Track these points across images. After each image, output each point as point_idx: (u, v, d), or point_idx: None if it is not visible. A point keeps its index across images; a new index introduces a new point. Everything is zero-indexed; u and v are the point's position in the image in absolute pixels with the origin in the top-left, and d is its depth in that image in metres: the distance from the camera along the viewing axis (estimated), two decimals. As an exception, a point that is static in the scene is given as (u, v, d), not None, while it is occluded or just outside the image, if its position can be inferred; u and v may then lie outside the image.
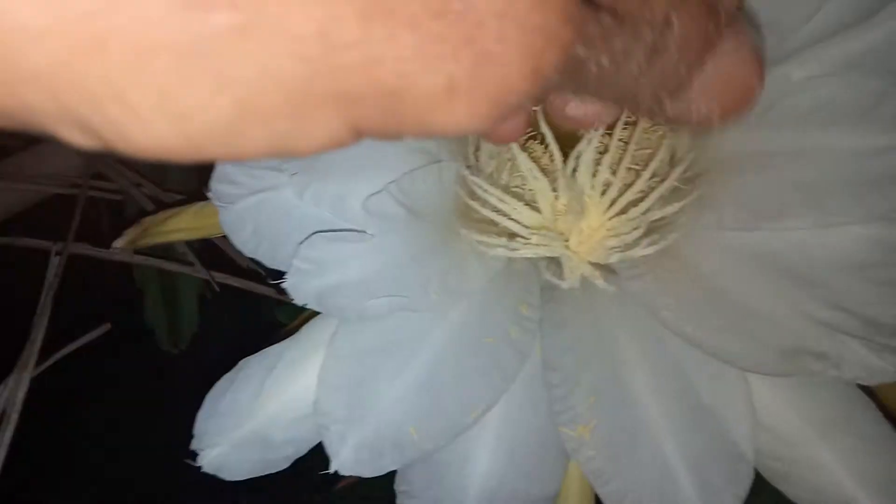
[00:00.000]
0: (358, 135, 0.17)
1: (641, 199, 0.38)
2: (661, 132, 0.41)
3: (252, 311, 0.74)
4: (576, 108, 0.25)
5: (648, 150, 0.41)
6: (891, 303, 0.37)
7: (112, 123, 0.15)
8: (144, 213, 0.70)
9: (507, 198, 0.38)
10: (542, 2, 0.16)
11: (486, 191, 0.39)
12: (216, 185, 0.43)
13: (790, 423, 0.39)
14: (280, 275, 0.43)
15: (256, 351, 0.47)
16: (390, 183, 0.43)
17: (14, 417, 0.58)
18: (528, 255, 0.38)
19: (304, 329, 0.46)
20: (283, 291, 0.45)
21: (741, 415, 0.38)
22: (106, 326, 0.70)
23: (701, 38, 0.20)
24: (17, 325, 0.63)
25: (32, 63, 0.14)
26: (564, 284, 0.37)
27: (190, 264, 0.72)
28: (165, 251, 0.73)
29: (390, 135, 0.17)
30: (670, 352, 0.42)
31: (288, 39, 0.15)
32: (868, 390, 0.38)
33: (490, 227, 0.41)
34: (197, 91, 0.15)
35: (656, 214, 0.38)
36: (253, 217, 0.43)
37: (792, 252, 0.40)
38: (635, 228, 0.37)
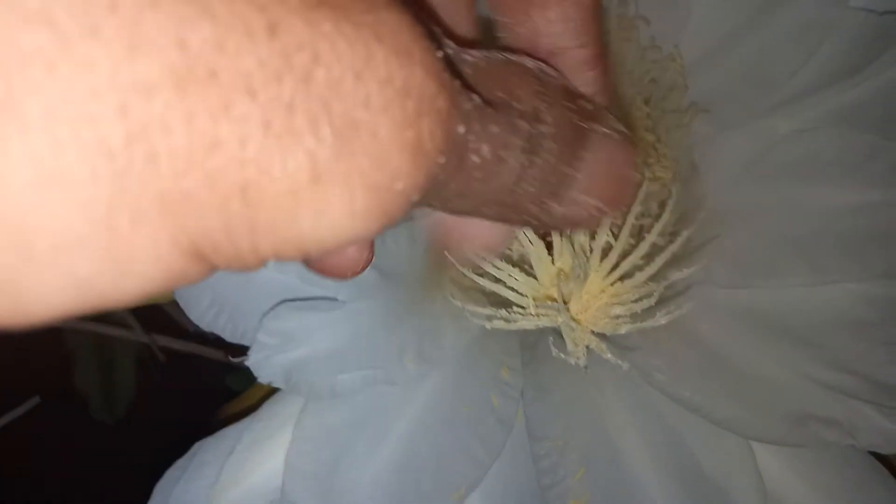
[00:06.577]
0: (200, 260, 0.13)
1: (646, 265, 0.35)
2: (661, 193, 0.39)
3: (197, 377, 0.70)
4: (470, 226, 0.23)
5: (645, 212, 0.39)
6: (896, 363, 0.36)
7: None
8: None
9: (503, 264, 0.36)
10: (405, 54, 0.13)
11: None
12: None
13: (799, 492, 0.37)
14: (237, 347, 0.40)
15: (201, 422, 0.43)
16: (360, 244, 0.40)
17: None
18: (529, 327, 0.35)
19: (266, 405, 0.42)
20: (235, 355, 0.42)
21: (748, 487, 0.36)
22: (35, 399, 0.64)
23: (570, 129, 0.19)
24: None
25: None
26: (571, 360, 0.34)
27: (129, 328, 0.67)
28: (102, 314, 0.68)
29: (246, 257, 0.13)
30: (666, 418, 0.39)
31: (76, 122, 0.10)
32: (878, 455, 0.37)
33: (475, 293, 0.38)
34: None
35: (667, 280, 0.35)
36: (211, 285, 0.39)
37: (787, 310, 0.39)
38: (645, 296, 0.34)
